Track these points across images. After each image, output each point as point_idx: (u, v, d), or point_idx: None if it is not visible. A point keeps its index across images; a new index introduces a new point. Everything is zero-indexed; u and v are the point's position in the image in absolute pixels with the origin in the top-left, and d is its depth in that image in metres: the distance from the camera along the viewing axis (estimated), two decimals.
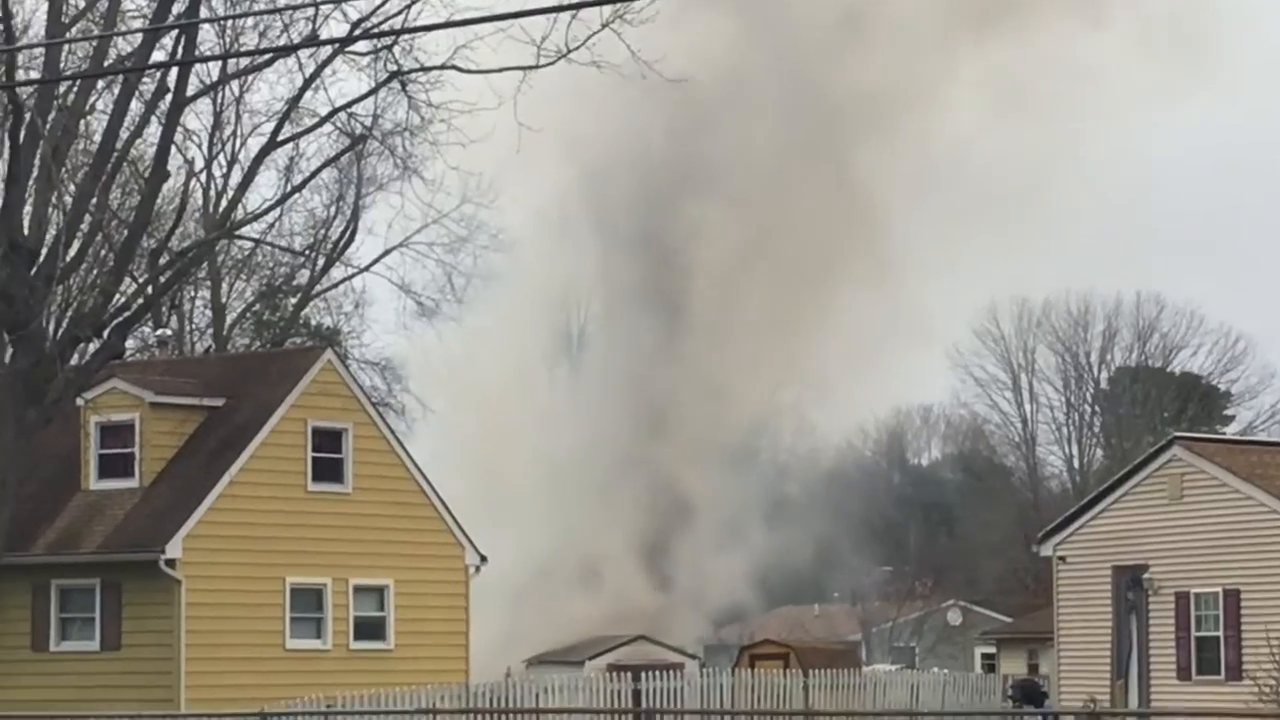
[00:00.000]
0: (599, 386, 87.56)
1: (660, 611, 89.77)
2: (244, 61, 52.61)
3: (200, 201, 71.06)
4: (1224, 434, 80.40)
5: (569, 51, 45.83)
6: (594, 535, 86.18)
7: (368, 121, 55.11)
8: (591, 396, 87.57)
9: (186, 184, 68.26)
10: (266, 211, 64.67)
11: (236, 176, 64.37)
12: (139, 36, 46.76)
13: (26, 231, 46.20)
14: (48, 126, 45.91)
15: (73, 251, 48.26)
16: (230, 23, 51.56)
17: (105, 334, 52.66)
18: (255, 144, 58.91)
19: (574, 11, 42.80)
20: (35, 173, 45.88)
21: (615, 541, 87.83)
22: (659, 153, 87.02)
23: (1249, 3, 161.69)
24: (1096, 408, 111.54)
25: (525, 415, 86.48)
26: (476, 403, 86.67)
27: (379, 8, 44.75)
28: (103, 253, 50.75)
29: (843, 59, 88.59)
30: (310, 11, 46.86)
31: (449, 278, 78.34)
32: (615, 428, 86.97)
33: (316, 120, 53.90)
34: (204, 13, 48.16)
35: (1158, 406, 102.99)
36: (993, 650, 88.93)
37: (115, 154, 48.02)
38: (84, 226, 48.53)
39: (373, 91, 51.35)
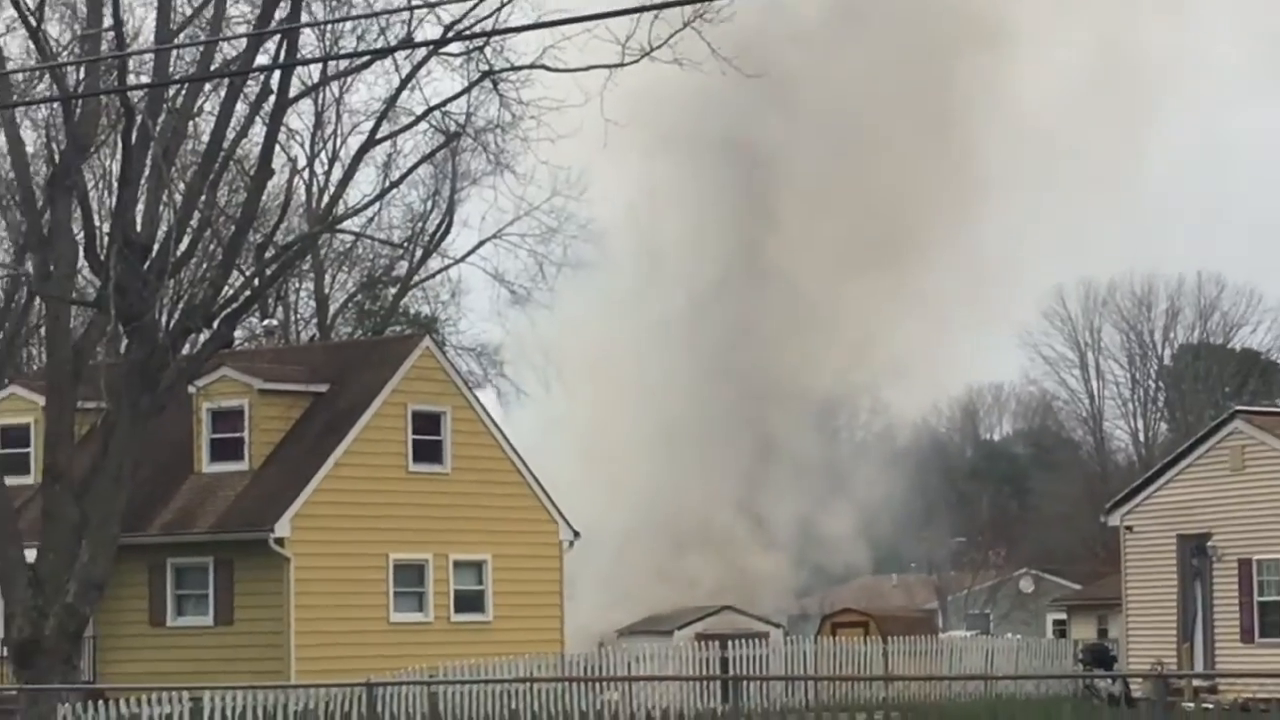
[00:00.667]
0: (691, 364, 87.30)
1: (761, 575, 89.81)
2: (343, 64, 52.81)
3: (303, 197, 71.25)
4: (1269, 407, 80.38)
5: (652, 50, 45.83)
6: (692, 502, 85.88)
7: (461, 119, 55.11)
8: (684, 373, 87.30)
9: (290, 181, 68.47)
10: (366, 206, 64.97)
11: (337, 173, 64.85)
12: (244, 41, 46.77)
13: (139, 228, 46.36)
14: (158, 128, 45.91)
15: (183, 247, 48.30)
16: (330, 27, 51.94)
17: (215, 324, 52.85)
18: (355, 142, 59.32)
19: (656, 12, 43.03)
20: (147, 172, 45.76)
21: (714, 507, 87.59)
22: (743, 138, 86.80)
23: None
24: (1160, 384, 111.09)
25: (622, 393, 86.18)
26: (574, 383, 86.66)
27: (471, 10, 44.46)
28: (211, 248, 51.04)
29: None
30: (406, 15, 46.86)
31: (540, 267, 78.61)
32: (707, 401, 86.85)
33: (413, 119, 54.11)
34: (305, 18, 48.25)
35: (1219, 382, 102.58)
36: (1064, 616, 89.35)
37: (222, 154, 48.30)
38: (193, 223, 48.36)
39: (466, 90, 51.36)
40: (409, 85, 50.29)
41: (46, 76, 46.84)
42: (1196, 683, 51.28)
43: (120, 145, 47.74)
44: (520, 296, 77.96)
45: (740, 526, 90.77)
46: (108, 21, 45.85)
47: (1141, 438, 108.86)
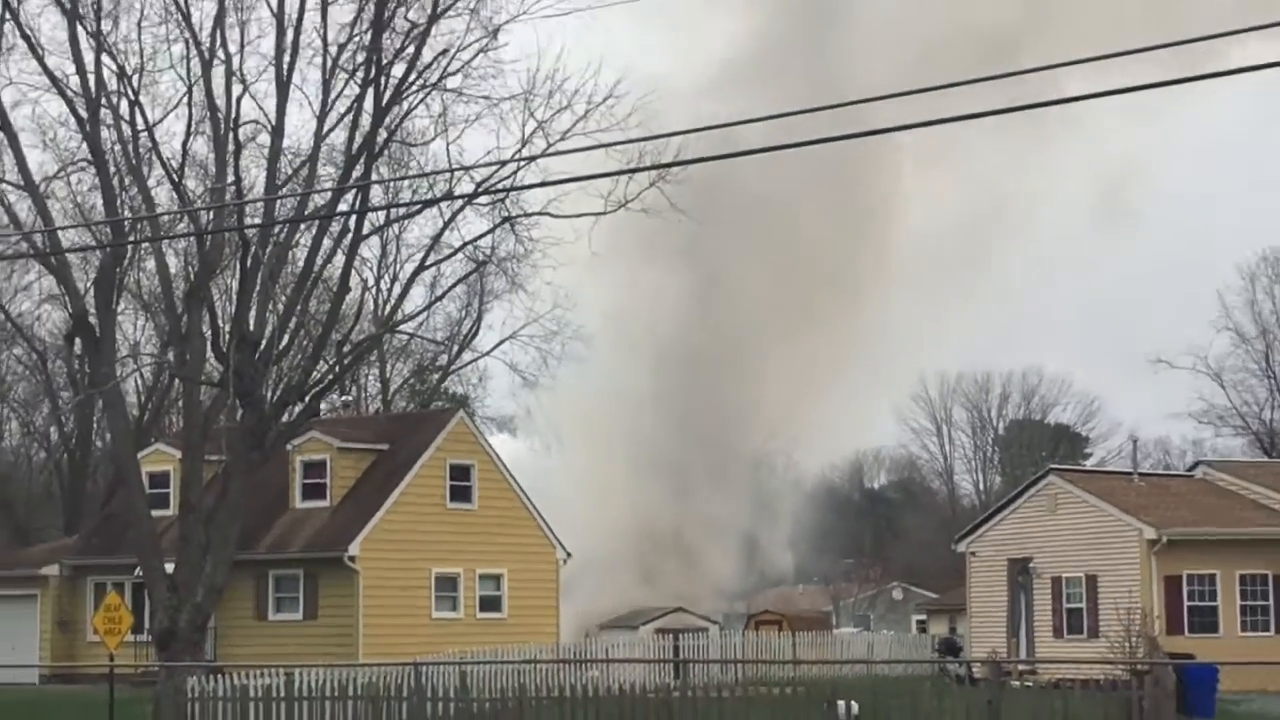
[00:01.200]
0: (657, 423, 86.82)
1: (711, 581, 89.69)
2: (402, 210, 53.20)
3: (371, 307, 71.71)
4: (1084, 466, 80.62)
5: (626, 203, 45.54)
6: (661, 526, 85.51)
7: (488, 251, 55.56)
8: (652, 431, 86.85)
9: (361, 295, 68.81)
10: (417, 315, 65.61)
11: (396, 290, 65.23)
12: (329, 194, 46.76)
13: (252, 329, 46.30)
14: (266, 256, 46.24)
15: (283, 343, 48.66)
16: (392, 184, 52.07)
17: (306, 400, 53.37)
18: (409, 267, 59.70)
19: (630, 175, 43.39)
20: (258, 288, 45.88)
21: (677, 528, 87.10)
22: (695, 251, 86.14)
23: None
24: (996, 448, 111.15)
25: (605, 446, 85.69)
26: (570, 441, 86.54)
27: (495, 173, 44.72)
28: (304, 344, 51.37)
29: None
30: (448, 175, 46.62)
31: (544, 359, 78.84)
32: (671, 450, 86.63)
33: (452, 251, 54.23)
34: (374, 177, 48.59)
35: (1039, 447, 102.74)
36: (924, 618, 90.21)
37: (313, 275, 48.46)
38: (291, 325, 48.60)
39: (490, 231, 51.25)
40: (450, 226, 50.71)
41: (185, 218, 47.13)
42: (1021, 667, 51.68)
43: (238, 268, 47.91)
44: (530, 381, 78.49)
45: (697, 542, 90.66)
46: (230, 177, 46.18)
47: (981, 487, 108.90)
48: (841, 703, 40.45)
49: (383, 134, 46.76)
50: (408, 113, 47.23)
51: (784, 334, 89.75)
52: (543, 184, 46.28)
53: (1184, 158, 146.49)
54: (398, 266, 64.23)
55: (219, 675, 45.74)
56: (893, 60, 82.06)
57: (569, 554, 66.18)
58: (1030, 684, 46.78)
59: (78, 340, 53.22)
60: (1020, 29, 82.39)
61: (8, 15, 44.73)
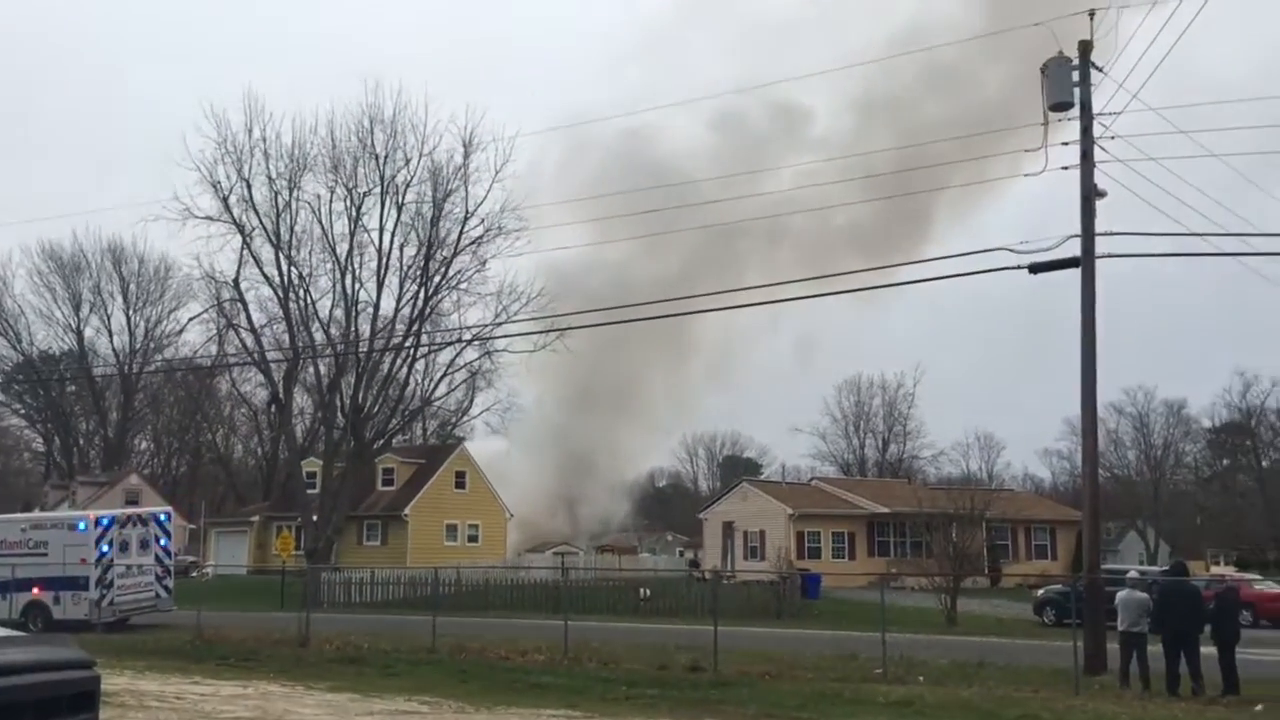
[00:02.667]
0: (562, 451, 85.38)
1: (578, 530, 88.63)
2: (436, 346, 52.86)
3: (419, 392, 71.14)
4: (760, 478, 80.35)
5: (544, 346, 44.04)
6: (557, 500, 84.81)
7: (476, 368, 54.68)
8: (559, 453, 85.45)
9: (415, 387, 68.32)
10: (442, 397, 64.56)
11: (431, 384, 64.62)
12: (401, 336, 46.72)
13: (361, 401, 46.31)
14: (369, 366, 46.32)
15: (376, 409, 47.34)
16: (432, 334, 51.50)
17: (385, 438, 52.85)
18: (439, 373, 58.09)
19: (546, 332, 43.29)
20: (364, 383, 46.01)
21: (565, 501, 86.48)
22: (580, 374, 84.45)
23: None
24: (718, 468, 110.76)
25: (539, 458, 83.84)
26: (522, 453, 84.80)
27: (481, 330, 44.76)
28: (385, 410, 50.62)
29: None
30: (459, 330, 46.73)
31: (502, 418, 78.40)
32: (574, 454, 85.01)
33: (459, 367, 52.51)
34: (425, 329, 48.32)
35: (738, 468, 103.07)
36: (682, 549, 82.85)
37: (391, 376, 47.60)
38: (380, 401, 48.06)
39: (479, 357, 50.66)
40: (459, 355, 50.13)
41: (329, 348, 46.48)
42: (727, 574, 51.70)
43: (355, 373, 47.36)
44: (495, 429, 77.40)
45: (579, 506, 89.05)
46: (352, 329, 45.90)
47: (710, 487, 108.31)
48: (641, 589, 40.51)
49: (428, 310, 46.60)
50: (440, 300, 47.02)
51: (625, 408, 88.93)
52: (504, 336, 46.33)
53: None
54: (433, 373, 63.24)
55: (337, 571, 45.09)
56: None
57: (511, 514, 65.75)
58: (732, 582, 47.04)
59: (274, 405, 52.23)
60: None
61: (244, 245, 44.43)
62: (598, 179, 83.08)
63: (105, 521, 31.94)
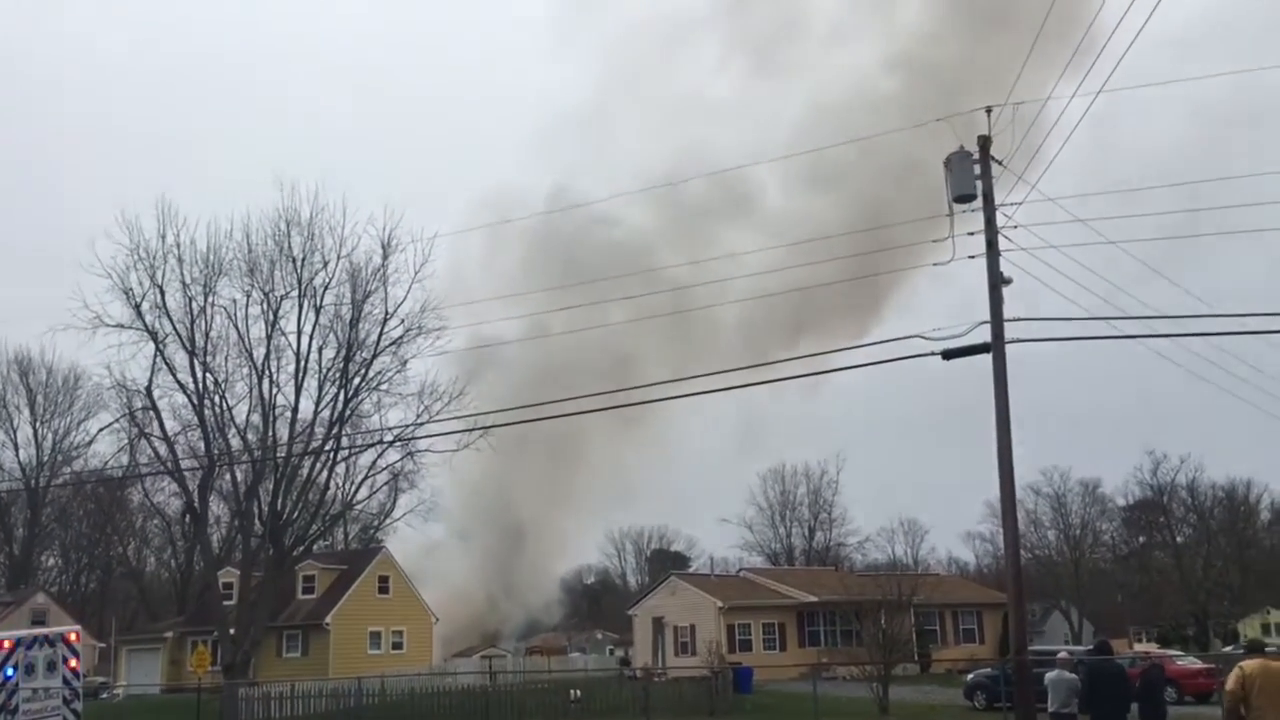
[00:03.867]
0: (485, 551, 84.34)
1: (504, 630, 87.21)
2: (357, 447, 52.02)
3: (340, 496, 69.64)
4: (689, 571, 79.94)
5: (467, 445, 43.09)
6: (482, 606, 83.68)
7: (399, 468, 53.93)
8: (492, 549, 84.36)
9: (335, 491, 66.93)
10: (363, 500, 63.06)
11: (352, 487, 63.54)
12: (320, 439, 46.01)
13: (280, 507, 45.20)
14: (287, 471, 45.43)
15: (295, 514, 46.12)
16: (352, 435, 50.82)
17: (305, 545, 51.61)
18: (360, 475, 57.22)
19: (469, 431, 42.91)
20: (283, 488, 44.95)
21: (489, 607, 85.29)
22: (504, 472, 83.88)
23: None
24: (646, 562, 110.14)
25: (463, 560, 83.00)
26: (446, 554, 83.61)
27: (403, 430, 44.43)
28: (305, 516, 49.47)
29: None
30: (380, 431, 46.19)
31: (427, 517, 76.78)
32: (503, 555, 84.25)
33: (381, 469, 51.76)
34: (345, 432, 47.78)
35: (666, 561, 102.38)
36: (613, 647, 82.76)
37: (311, 480, 46.28)
38: (300, 505, 47.05)
39: (400, 459, 49.45)
40: (380, 456, 49.08)
41: (246, 454, 45.50)
42: (657, 671, 50.97)
43: (274, 478, 46.19)
44: (419, 530, 75.81)
45: (505, 607, 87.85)
46: (270, 433, 45.22)
47: (639, 581, 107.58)
48: (573, 690, 39.78)
49: (348, 411, 45.84)
50: (360, 401, 46.27)
51: (554, 497, 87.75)
52: (427, 435, 45.40)
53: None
54: (355, 476, 62.02)
55: (256, 686, 43.62)
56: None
57: (437, 618, 64.42)
58: (664, 679, 46.40)
59: (188, 516, 50.87)
60: None
61: (157, 351, 43.57)
62: (528, 258, 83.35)
63: (9, 643, 30.52)
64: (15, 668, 30.07)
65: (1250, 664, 13.26)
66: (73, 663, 31.99)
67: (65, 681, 31.63)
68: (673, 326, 74.74)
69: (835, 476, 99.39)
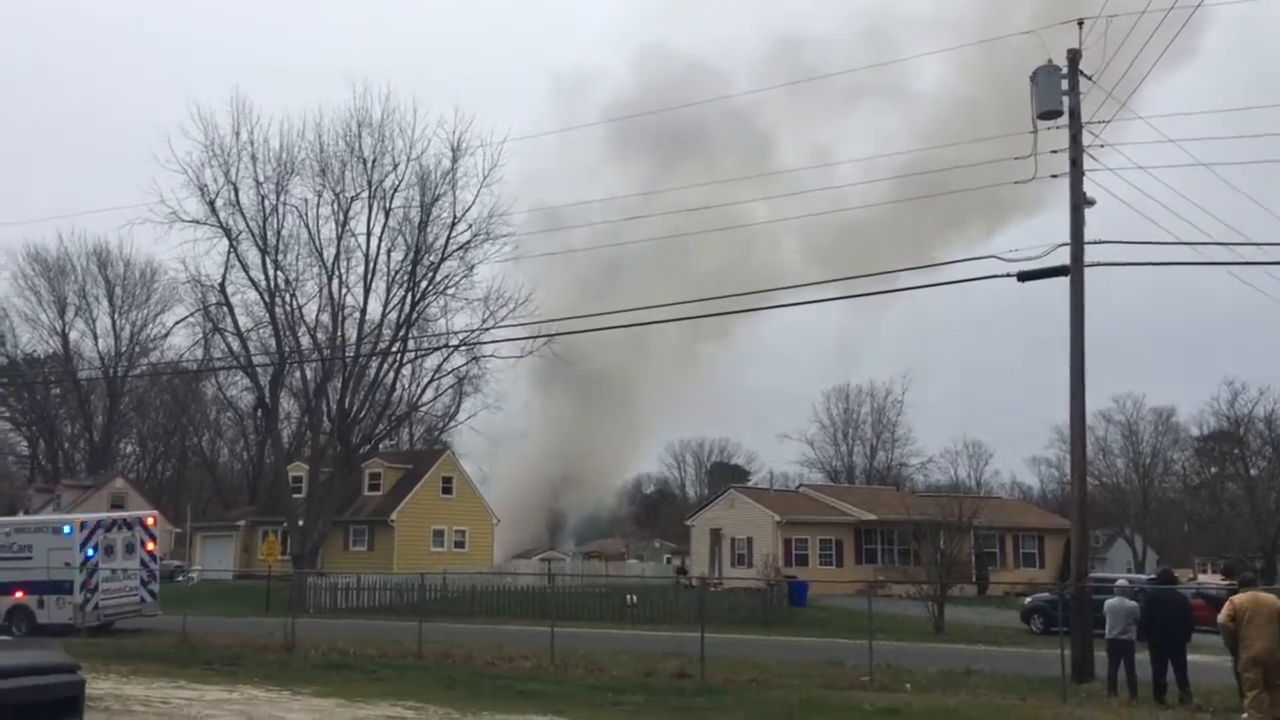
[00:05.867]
0: (553, 455, 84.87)
1: (561, 536, 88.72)
2: (423, 351, 52.48)
3: (406, 398, 70.62)
4: (747, 485, 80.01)
5: (532, 352, 43.22)
6: (542, 509, 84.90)
7: (464, 373, 54.39)
8: (553, 463, 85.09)
9: (402, 392, 67.48)
10: (429, 403, 64.04)
11: (418, 389, 64.38)
12: (388, 342, 46.50)
13: (347, 406, 46.26)
14: (355, 370, 46.26)
15: (362, 414, 47.43)
16: (419, 339, 51.16)
17: (372, 443, 52.78)
18: (426, 378, 57.89)
19: (534, 338, 42.77)
20: (351, 388, 45.86)
21: (549, 511, 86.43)
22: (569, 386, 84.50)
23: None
24: (706, 475, 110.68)
25: (525, 469, 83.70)
26: (509, 464, 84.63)
27: (469, 336, 45.01)
28: (372, 416, 50.48)
29: None
30: (446, 335, 46.59)
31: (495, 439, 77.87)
32: (557, 470, 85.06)
33: (447, 373, 51.97)
34: (411, 335, 48.18)
35: (726, 476, 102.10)
36: (670, 556, 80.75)
37: (378, 381, 47.31)
38: (366, 405, 47.96)
39: (465, 364, 50.54)
40: (446, 360, 49.76)
41: (316, 352, 46.30)
42: (714, 581, 51.57)
43: (342, 377, 47.29)
44: (482, 433, 76.39)
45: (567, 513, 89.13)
46: (339, 333, 45.97)
47: (698, 494, 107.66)
48: (629, 595, 40.47)
49: (414, 315, 46.47)
50: (427, 305, 46.92)
51: (616, 409, 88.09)
52: (491, 341, 46.45)
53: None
54: (420, 379, 62.84)
55: (323, 577, 44.96)
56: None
57: (498, 519, 65.66)
58: (720, 589, 46.98)
59: (260, 410, 52.14)
60: None
61: (231, 248, 44.42)
62: (607, 146, 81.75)
63: (90, 525, 31.80)
64: (96, 548, 31.48)
65: (1241, 597, 14.36)
66: (150, 545, 33.39)
67: (143, 563, 33.02)
68: (742, 239, 74.53)
69: (900, 396, 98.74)
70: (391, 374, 48.98)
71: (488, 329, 44.72)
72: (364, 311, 46.09)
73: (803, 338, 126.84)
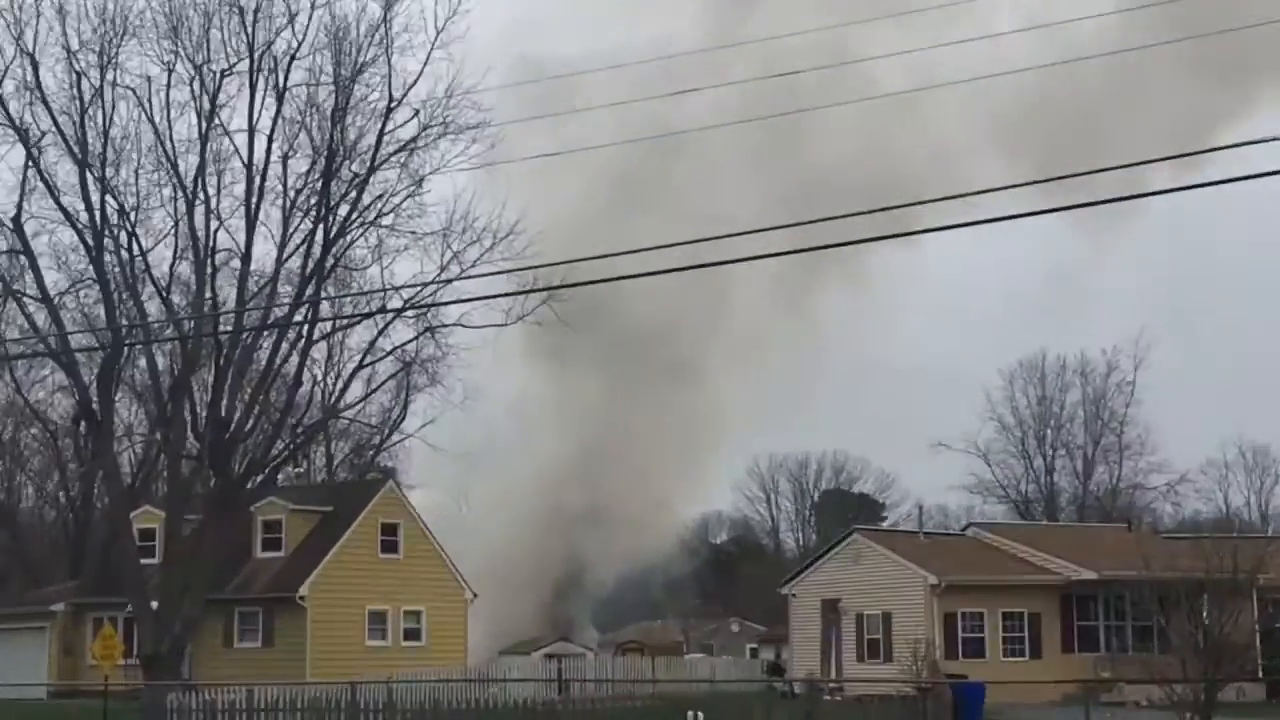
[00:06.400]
0: (548, 488, 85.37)
1: (577, 619, 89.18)
2: (344, 321, 52.79)
3: (319, 397, 71.10)
4: (881, 527, 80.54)
5: (523, 316, 45.14)
6: (549, 568, 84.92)
7: (413, 354, 55.21)
8: (544, 497, 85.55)
9: (311, 388, 68.22)
10: (357, 404, 64.89)
11: (339, 384, 64.74)
12: (287, 307, 46.93)
13: (223, 414, 46.04)
14: (235, 356, 46.26)
15: (249, 425, 48.01)
16: (337, 300, 51.89)
17: (266, 471, 53.20)
18: (350, 366, 59.18)
19: (525, 295, 43.44)
20: (229, 382, 45.86)
21: (561, 569, 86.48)
22: (577, 370, 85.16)
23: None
24: (812, 512, 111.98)
25: (507, 507, 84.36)
26: (479, 504, 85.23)
27: (419, 292, 44.68)
28: (265, 426, 51.03)
29: None
30: (382, 293, 46.71)
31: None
32: (558, 513, 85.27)
33: (384, 353, 53.21)
34: (323, 294, 48.47)
35: (845, 511, 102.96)
36: (756, 646, 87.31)
37: (273, 371, 48.01)
38: (255, 411, 48.31)
39: (415, 338, 51.06)
40: (382, 334, 50.07)
41: (171, 326, 46.57)
42: (831, 685, 51.50)
43: (214, 366, 47.58)
44: (441, 451, 77.01)
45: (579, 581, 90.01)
46: (208, 294, 46.13)
47: (800, 543, 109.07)
48: (690, 713, 40.37)
49: (330, 260, 46.72)
50: (350, 244, 47.24)
51: (645, 421, 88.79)
52: (456, 301, 46.81)
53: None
54: (341, 365, 63.46)
55: (193, 692, 45.21)
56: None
57: (474, 594, 65.79)
58: (839, 699, 46.91)
59: (83, 423, 52.77)
60: None
61: (29, 160, 44.61)
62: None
63: None
64: None
65: None
66: None
67: None
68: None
69: (1132, 375, 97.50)
70: (295, 358, 49.32)
71: (450, 281, 45.19)
72: (247, 257, 46.52)
73: (974, 281, 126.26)
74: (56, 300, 47.74)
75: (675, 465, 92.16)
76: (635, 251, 27.45)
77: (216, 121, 45.53)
